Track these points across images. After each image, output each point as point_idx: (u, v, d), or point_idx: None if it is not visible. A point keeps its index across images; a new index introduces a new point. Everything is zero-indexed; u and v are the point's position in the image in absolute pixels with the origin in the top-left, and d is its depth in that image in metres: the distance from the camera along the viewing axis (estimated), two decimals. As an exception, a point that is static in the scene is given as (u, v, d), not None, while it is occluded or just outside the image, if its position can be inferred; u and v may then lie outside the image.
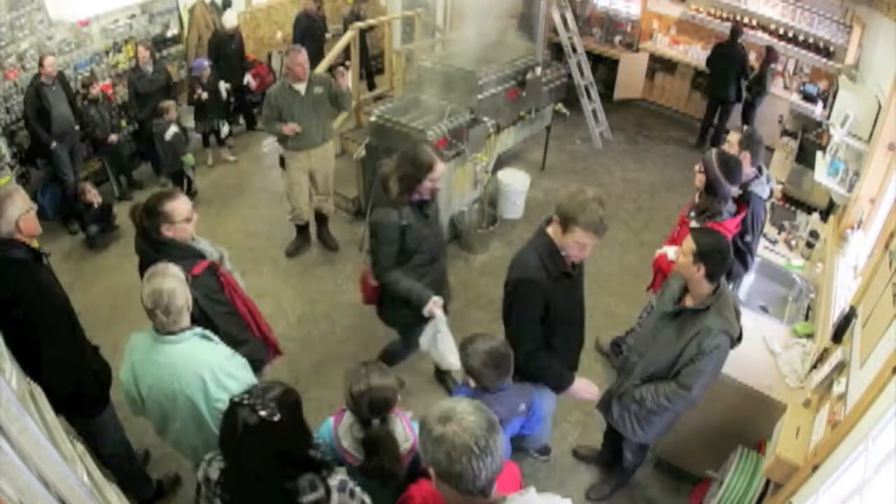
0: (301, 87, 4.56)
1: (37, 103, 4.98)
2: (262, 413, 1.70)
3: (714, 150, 3.21)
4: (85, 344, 2.74)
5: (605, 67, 8.74)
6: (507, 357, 2.37)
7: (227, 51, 6.70)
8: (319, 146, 4.85)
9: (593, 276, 5.22)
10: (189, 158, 5.96)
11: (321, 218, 5.38)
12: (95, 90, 5.57)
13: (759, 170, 3.49)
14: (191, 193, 6.19)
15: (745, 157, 3.37)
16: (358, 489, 1.91)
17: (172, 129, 5.69)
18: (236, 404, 1.75)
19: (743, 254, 3.42)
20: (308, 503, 1.78)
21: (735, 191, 3.22)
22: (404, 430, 2.23)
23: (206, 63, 6.31)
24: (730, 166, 3.09)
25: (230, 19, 6.76)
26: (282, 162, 4.94)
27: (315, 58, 6.26)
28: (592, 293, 5.04)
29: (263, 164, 6.87)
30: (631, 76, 8.29)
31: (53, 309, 2.52)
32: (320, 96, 4.65)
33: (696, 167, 3.22)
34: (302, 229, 5.33)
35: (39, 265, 2.58)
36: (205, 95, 6.28)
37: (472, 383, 2.41)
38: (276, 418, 1.71)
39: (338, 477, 1.89)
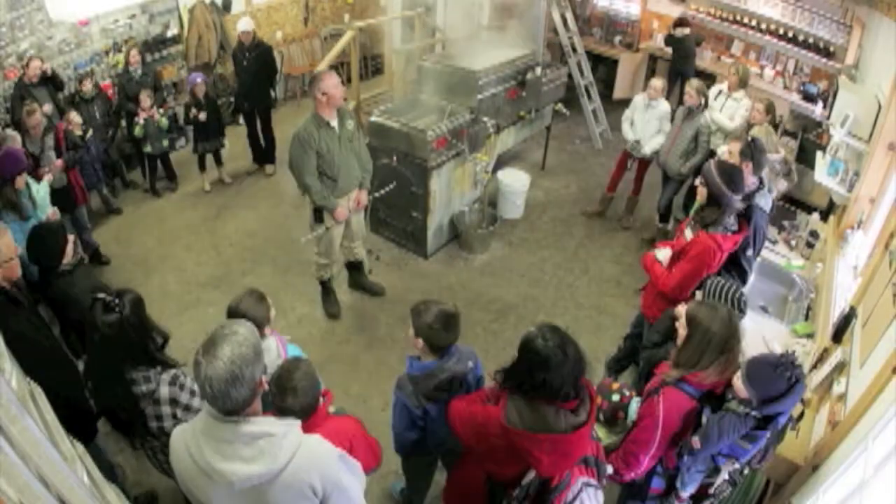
0: (335, 123, 3.81)
1: (20, 105, 4.83)
2: (115, 309, 2.20)
3: (713, 161, 3.12)
4: (72, 379, 2.68)
5: (605, 67, 8.74)
6: (456, 318, 2.44)
7: (240, 65, 6.13)
8: (356, 189, 4.14)
9: (594, 276, 5.25)
10: (137, 130, 5.63)
11: (354, 266, 4.76)
12: (87, 87, 5.39)
13: (761, 181, 3.40)
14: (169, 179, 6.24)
15: (747, 167, 3.28)
16: (189, 380, 2.28)
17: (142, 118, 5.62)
18: (97, 299, 2.24)
19: (742, 269, 3.35)
20: (139, 393, 2.25)
21: (740, 204, 3.07)
22: (277, 348, 2.59)
23: (199, 78, 5.79)
24: (731, 175, 2.97)
25: (243, 24, 6.01)
26: (318, 215, 4.05)
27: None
28: (593, 294, 5.09)
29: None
30: (630, 76, 8.29)
31: (32, 352, 2.48)
32: (352, 131, 3.94)
33: (698, 181, 3.09)
34: (327, 284, 4.61)
35: (18, 309, 2.59)
36: (202, 116, 5.71)
37: (422, 352, 2.45)
38: (125, 312, 2.21)
39: (171, 372, 2.29)
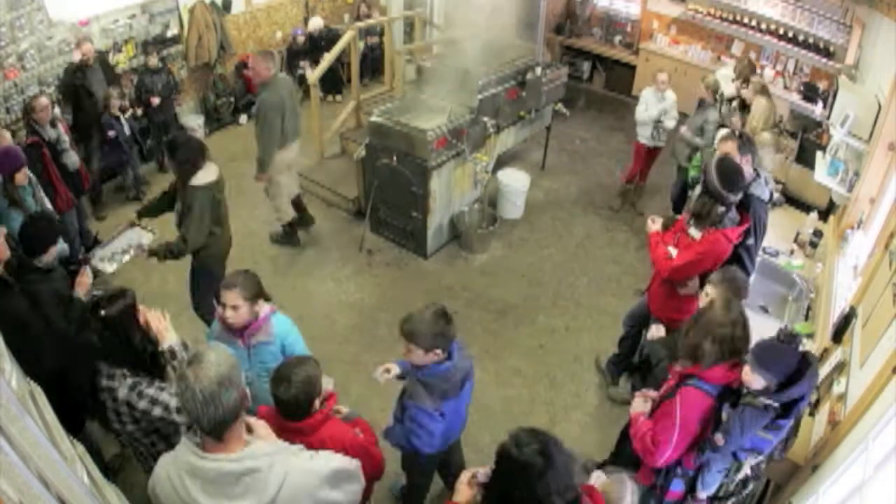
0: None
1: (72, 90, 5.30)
2: (101, 311, 2.22)
3: (715, 160, 3.14)
4: (68, 361, 2.66)
5: (605, 67, 8.75)
6: (446, 310, 2.40)
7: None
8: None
9: (594, 276, 5.24)
10: None
11: (298, 204, 5.42)
12: (153, 61, 6.01)
13: (757, 172, 3.43)
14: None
15: (747, 161, 3.31)
16: (151, 390, 2.26)
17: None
18: (94, 295, 2.33)
19: (742, 261, 3.34)
20: (101, 386, 2.26)
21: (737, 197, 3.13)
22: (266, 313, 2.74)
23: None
24: (729, 175, 2.99)
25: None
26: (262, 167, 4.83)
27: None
28: (593, 294, 5.09)
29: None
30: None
31: (19, 334, 2.47)
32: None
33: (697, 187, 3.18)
34: (292, 226, 5.38)
35: (9, 290, 2.61)
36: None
37: (435, 360, 2.40)
38: (111, 314, 2.22)
39: (133, 379, 2.27)
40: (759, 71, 6.80)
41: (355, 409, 2.74)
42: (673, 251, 3.24)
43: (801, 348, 2.22)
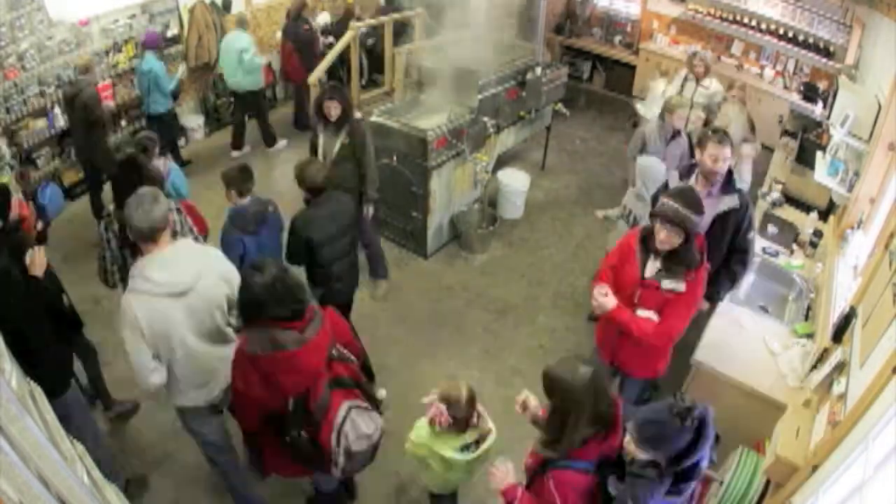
0: None
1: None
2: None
3: (668, 195, 2.63)
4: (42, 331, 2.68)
5: (605, 67, 8.75)
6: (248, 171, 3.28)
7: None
8: None
9: (593, 276, 5.24)
10: None
11: None
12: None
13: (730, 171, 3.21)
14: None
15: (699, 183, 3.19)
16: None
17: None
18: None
19: (743, 251, 3.28)
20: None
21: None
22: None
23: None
24: (692, 199, 2.59)
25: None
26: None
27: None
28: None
29: (267, 162, 6.85)
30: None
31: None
32: None
33: (664, 233, 2.58)
34: None
35: None
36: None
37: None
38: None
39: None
40: (731, 59, 6.90)
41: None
42: (647, 313, 2.74)
43: (700, 418, 1.80)
